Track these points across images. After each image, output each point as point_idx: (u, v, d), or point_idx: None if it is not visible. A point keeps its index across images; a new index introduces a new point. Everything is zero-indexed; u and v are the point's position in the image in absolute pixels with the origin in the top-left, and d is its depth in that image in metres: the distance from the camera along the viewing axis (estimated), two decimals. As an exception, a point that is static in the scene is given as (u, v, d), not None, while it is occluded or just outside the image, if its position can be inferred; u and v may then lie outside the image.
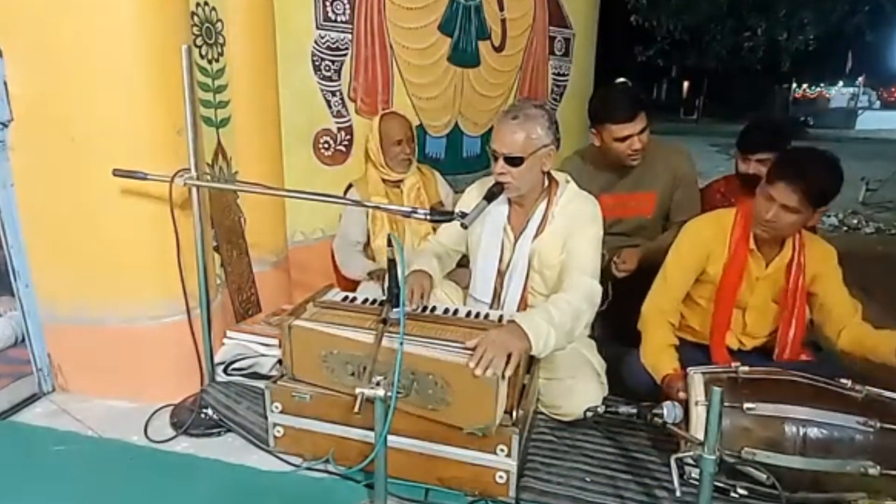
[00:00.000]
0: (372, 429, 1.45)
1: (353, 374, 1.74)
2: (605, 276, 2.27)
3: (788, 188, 1.86)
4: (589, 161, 2.68)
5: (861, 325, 2.00)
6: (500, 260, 2.13)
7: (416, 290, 1.96)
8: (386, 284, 1.77)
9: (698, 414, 1.68)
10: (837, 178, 1.90)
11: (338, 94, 2.94)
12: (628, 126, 2.43)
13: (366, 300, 2.00)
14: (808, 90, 30.06)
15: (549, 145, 1.98)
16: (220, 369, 2.25)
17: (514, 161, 1.94)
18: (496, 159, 1.97)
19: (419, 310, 1.92)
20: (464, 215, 1.80)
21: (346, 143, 3.01)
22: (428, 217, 1.74)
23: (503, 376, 1.59)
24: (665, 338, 2.07)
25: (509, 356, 1.60)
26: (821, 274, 2.05)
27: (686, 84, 29.35)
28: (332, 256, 2.94)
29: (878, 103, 27.74)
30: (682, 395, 1.79)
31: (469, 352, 1.63)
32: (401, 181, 2.85)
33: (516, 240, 2.09)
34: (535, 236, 2.06)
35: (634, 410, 1.80)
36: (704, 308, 2.15)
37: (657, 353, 2.04)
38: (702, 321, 2.17)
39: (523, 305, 2.10)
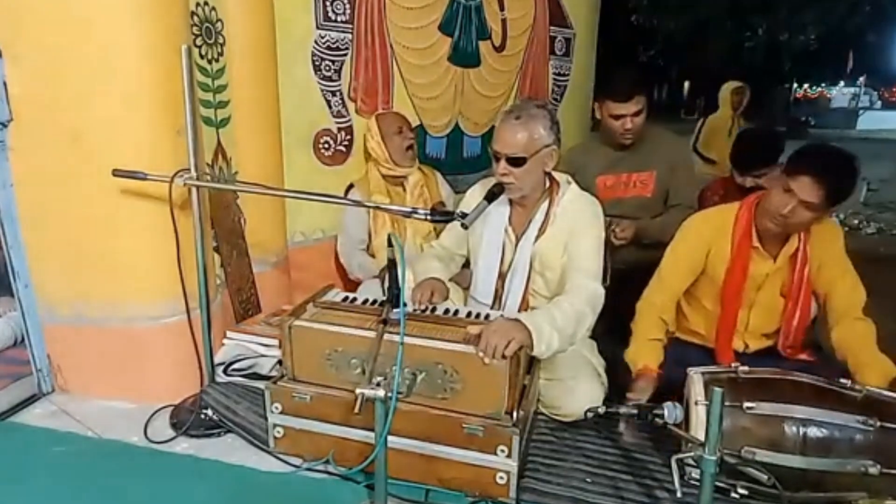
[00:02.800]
0: (372, 429, 1.45)
1: (359, 371, 1.75)
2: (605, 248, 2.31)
3: (813, 184, 1.79)
4: (596, 140, 2.85)
5: (857, 329, 1.96)
6: (502, 261, 2.12)
7: (426, 291, 1.96)
8: (386, 285, 1.77)
9: (699, 414, 1.67)
10: (856, 178, 1.86)
11: (338, 94, 2.93)
12: (623, 106, 2.56)
13: (366, 300, 2.00)
14: (809, 90, 30.05)
15: (551, 145, 1.98)
16: (219, 370, 2.25)
17: (516, 161, 1.94)
18: (498, 160, 1.97)
19: (419, 310, 1.92)
20: (464, 215, 1.80)
21: (346, 143, 3.01)
22: (428, 217, 1.73)
23: (504, 356, 1.61)
24: (652, 332, 2.05)
25: (510, 341, 1.62)
26: (825, 261, 2.01)
27: (687, 84, 29.33)
28: (336, 257, 2.94)
29: (879, 103, 27.72)
30: (639, 393, 1.84)
31: (474, 342, 1.66)
32: (404, 178, 2.84)
33: (518, 241, 2.09)
34: (537, 237, 2.06)
35: (635, 411, 1.80)
36: (710, 311, 2.14)
37: (639, 346, 2.03)
38: (707, 325, 2.16)
39: (524, 307, 2.09)
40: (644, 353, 1.99)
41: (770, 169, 2.51)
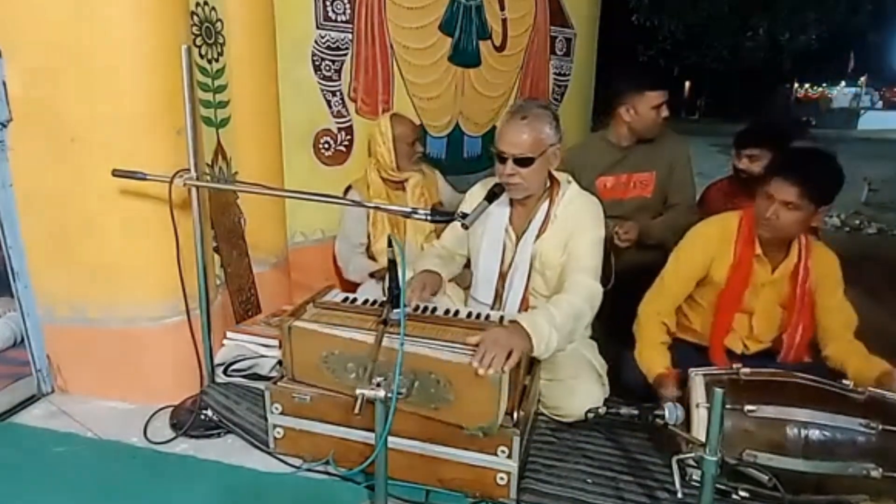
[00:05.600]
0: (372, 430, 1.45)
1: (354, 375, 1.74)
2: (608, 250, 2.37)
3: (785, 184, 1.88)
4: (596, 140, 2.83)
5: (850, 342, 2.01)
6: (502, 261, 2.12)
7: (417, 287, 1.96)
8: (386, 285, 1.77)
9: (700, 415, 1.67)
10: (835, 174, 1.92)
11: (338, 94, 2.93)
12: (663, 94, 2.59)
13: (366, 301, 1.99)
14: (810, 90, 30.05)
15: (556, 144, 1.98)
16: (219, 370, 2.25)
17: (524, 162, 1.93)
18: (503, 161, 1.96)
19: (420, 310, 1.91)
20: (465, 216, 1.80)
21: (346, 143, 3.00)
22: (428, 218, 1.73)
23: (503, 370, 1.59)
24: (657, 336, 2.08)
25: (510, 353, 1.60)
26: (821, 283, 2.04)
27: (687, 84, 29.37)
28: (334, 258, 2.94)
29: (880, 103, 27.70)
30: (672, 392, 1.82)
31: (470, 349, 1.63)
32: (404, 181, 2.83)
33: (518, 240, 2.09)
34: (538, 237, 2.05)
35: (636, 411, 1.79)
36: (706, 309, 2.14)
37: (649, 351, 2.05)
38: (703, 322, 2.16)
39: (525, 307, 2.09)
40: (657, 360, 2.00)
41: (761, 151, 2.60)
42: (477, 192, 2.20)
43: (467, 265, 2.30)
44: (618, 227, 2.49)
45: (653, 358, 2.01)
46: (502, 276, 2.12)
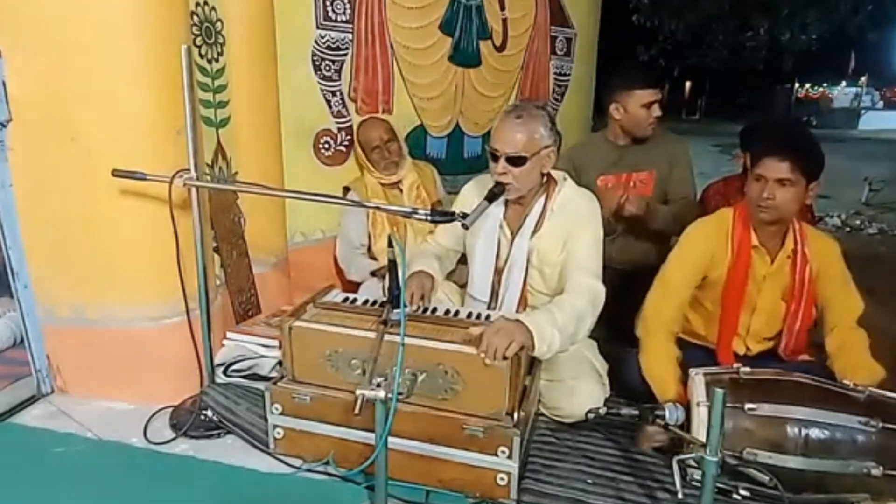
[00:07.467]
0: (372, 430, 1.45)
1: (359, 371, 1.74)
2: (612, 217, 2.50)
3: (775, 161, 1.88)
4: (596, 140, 2.82)
5: (849, 338, 1.98)
6: (498, 257, 2.11)
7: (417, 292, 1.96)
8: (387, 285, 1.77)
9: (700, 414, 1.67)
10: (817, 145, 1.95)
11: (338, 94, 2.93)
12: (654, 92, 2.56)
13: (366, 301, 1.99)
14: (810, 90, 30.04)
15: (550, 146, 1.97)
16: (219, 371, 2.25)
17: (516, 161, 1.93)
18: (496, 159, 1.95)
19: (419, 311, 1.91)
20: (464, 216, 1.79)
21: (346, 143, 3.00)
22: (428, 218, 1.73)
23: (504, 357, 1.61)
24: (668, 351, 1.99)
25: (511, 343, 1.62)
26: (823, 269, 2.02)
27: (688, 84, 29.38)
28: (335, 259, 2.94)
29: (880, 103, 27.66)
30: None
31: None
32: (399, 182, 2.84)
33: (513, 237, 2.08)
34: (533, 233, 2.05)
35: (636, 412, 1.79)
36: (710, 311, 2.12)
37: (661, 370, 1.95)
38: (707, 325, 2.15)
39: (523, 304, 2.09)
40: (670, 382, 1.90)
41: None
42: (472, 190, 2.19)
43: (462, 261, 2.30)
44: (626, 195, 2.47)
45: (665, 380, 1.91)
46: (498, 273, 2.12)
